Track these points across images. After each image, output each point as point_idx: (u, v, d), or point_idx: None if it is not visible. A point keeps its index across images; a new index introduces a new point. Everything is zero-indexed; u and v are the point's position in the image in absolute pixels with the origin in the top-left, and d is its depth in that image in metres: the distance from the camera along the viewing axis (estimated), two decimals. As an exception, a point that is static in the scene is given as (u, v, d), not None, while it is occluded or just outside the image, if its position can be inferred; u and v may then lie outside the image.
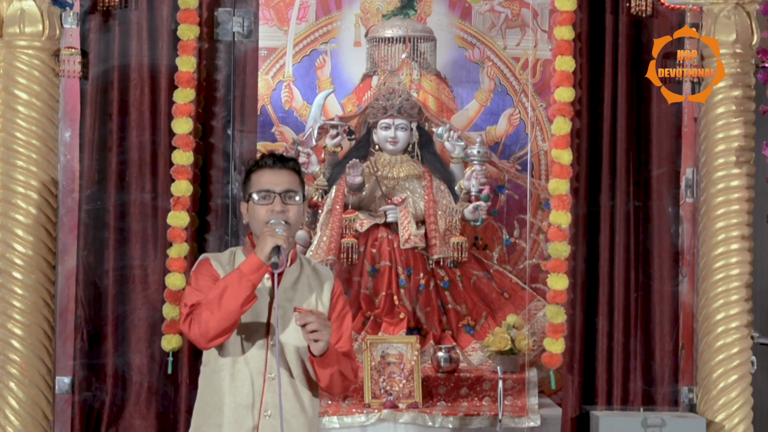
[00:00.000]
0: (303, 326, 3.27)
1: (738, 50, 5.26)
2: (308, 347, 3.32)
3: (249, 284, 3.24)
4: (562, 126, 5.30)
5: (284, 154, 3.60)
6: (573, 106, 5.33)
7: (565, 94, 5.30)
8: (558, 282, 5.27)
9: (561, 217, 5.29)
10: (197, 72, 5.29)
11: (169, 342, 5.16)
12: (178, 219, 5.20)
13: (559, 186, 5.30)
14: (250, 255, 3.28)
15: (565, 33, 5.31)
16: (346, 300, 3.59)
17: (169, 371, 5.23)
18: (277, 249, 3.24)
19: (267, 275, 3.39)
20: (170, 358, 5.21)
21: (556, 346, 5.27)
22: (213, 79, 5.44)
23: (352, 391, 5.24)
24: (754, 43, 5.28)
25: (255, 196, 3.38)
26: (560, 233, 5.30)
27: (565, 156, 5.30)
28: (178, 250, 5.19)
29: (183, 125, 5.24)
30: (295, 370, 3.39)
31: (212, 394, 3.36)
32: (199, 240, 5.40)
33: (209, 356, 3.43)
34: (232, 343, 3.36)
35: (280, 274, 3.30)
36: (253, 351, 3.36)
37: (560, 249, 5.28)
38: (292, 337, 3.37)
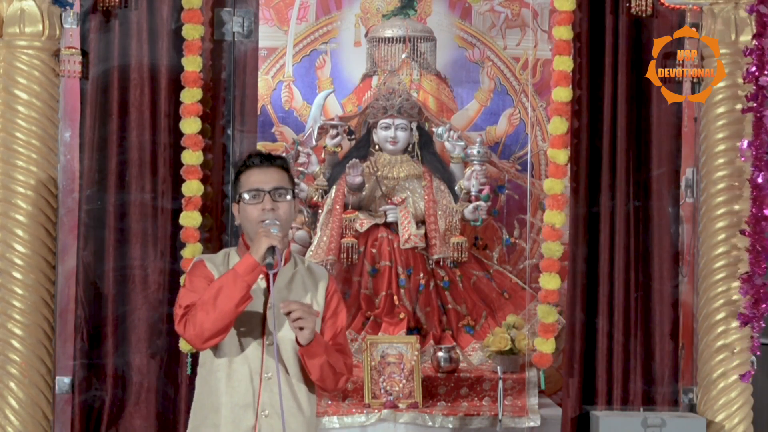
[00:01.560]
0: (287, 314, 3.27)
1: (738, 50, 5.26)
2: (295, 338, 3.33)
3: (244, 285, 3.25)
4: (558, 126, 5.31)
5: (272, 152, 3.60)
6: (572, 105, 5.34)
7: (562, 93, 5.31)
8: (550, 281, 5.28)
9: (555, 217, 5.30)
10: (203, 72, 5.29)
11: (187, 343, 5.12)
12: (191, 219, 5.20)
13: (555, 186, 5.30)
14: (245, 255, 3.28)
15: (563, 33, 5.31)
16: (341, 297, 3.60)
17: (188, 372, 5.22)
18: (272, 249, 3.24)
19: (262, 275, 3.39)
20: (189, 360, 5.20)
21: (547, 345, 5.27)
22: (215, 78, 5.44)
23: (352, 391, 5.24)
24: (754, 42, 5.28)
25: (245, 196, 3.38)
26: (554, 233, 5.30)
27: (561, 156, 5.31)
28: (192, 250, 5.17)
29: (191, 125, 5.23)
30: (291, 368, 3.39)
31: (209, 395, 3.37)
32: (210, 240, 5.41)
33: (205, 357, 3.43)
34: (228, 343, 3.36)
35: (275, 274, 3.30)
36: (249, 351, 3.36)
37: (553, 248, 5.29)
38: (287, 336, 3.37)
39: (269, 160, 3.43)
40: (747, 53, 5.07)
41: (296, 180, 3.55)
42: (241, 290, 3.24)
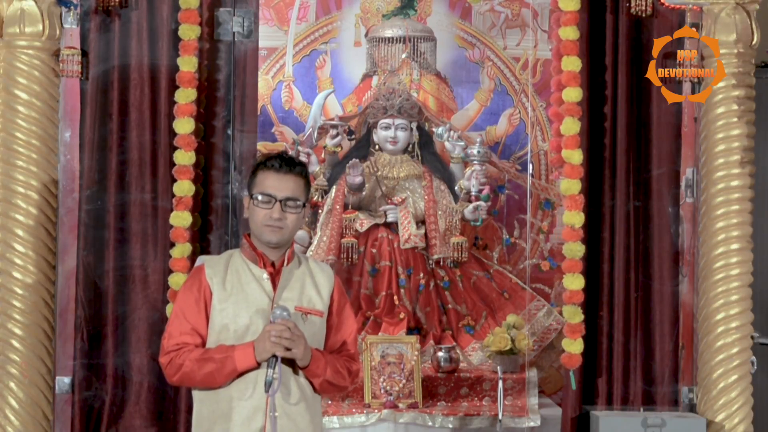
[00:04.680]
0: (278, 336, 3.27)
1: (738, 50, 5.27)
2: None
3: (236, 375, 3.30)
4: (571, 126, 5.31)
5: (294, 157, 3.57)
6: (580, 105, 5.33)
7: (572, 94, 5.31)
8: (574, 282, 5.28)
9: (574, 217, 5.30)
10: (198, 72, 5.30)
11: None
12: (181, 219, 5.21)
13: (571, 186, 5.30)
14: (248, 351, 3.27)
15: (570, 33, 5.31)
16: (347, 298, 3.60)
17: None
18: (275, 358, 3.24)
19: (266, 276, 3.40)
20: None
21: (574, 346, 5.27)
22: (214, 78, 5.45)
23: (352, 391, 5.24)
24: (754, 42, 5.28)
25: (256, 198, 3.38)
26: (574, 233, 5.30)
27: (576, 156, 5.30)
28: (181, 250, 5.19)
29: (185, 125, 5.24)
30: (299, 369, 3.39)
31: (218, 401, 3.35)
32: (201, 240, 5.41)
33: None
34: None
35: (280, 277, 3.30)
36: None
37: (574, 249, 5.29)
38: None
39: (289, 165, 3.39)
40: None
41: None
42: (231, 378, 3.31)
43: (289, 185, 3.38)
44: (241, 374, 3.30)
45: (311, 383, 3.41)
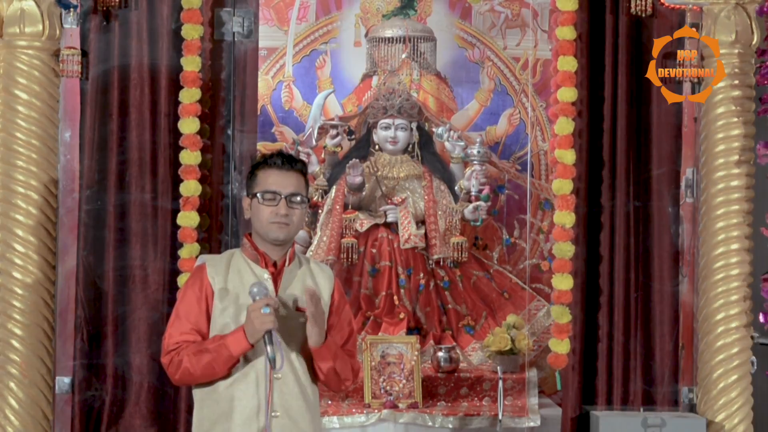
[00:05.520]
0: (302, 309, 3.31)
1: (738, 50, 5.27)
2: (302, 341, 3.36)
3: (233, 361, 3.30)
4: (565, 126, 5.31)
5: (293, 154, 3.60)
6: (575, 105, 5.34)
7: (567, 94, 5.32)
8: (563, 282, 5.29)
9: (565, 217, 5.30)
10: (203, 72, 5.30)
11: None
12: (188, 219, 5.21)
13: (563, 186, 5.31)
14: (239, 335, 3.26)
15: (566, 33, 5.32)
16: (347, 300, 3.60)
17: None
18: (269, 334, 3.24)
19: (268, 275, 3.40)
20: None
21: (561, 346, 5.28)
22: (215, 78, 5.45)
23: (352, 391, 5.24)
24: (754, 42, 5.28)
25: (260, 196, 3.38)
26: (564, 233, 5.31)
27: (569, 156, 5.31)
28: (190, 250, 5.19)
29: (189, 125, 5.25)
30: (299, 368, 3.39)
31: (218, 401, 3.36)
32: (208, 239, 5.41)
33: None
34: None
35: (278, 273, 3.29)
36: (257, 353, 3.35)
37: (564, 249, 5.29)
38: (295, 336, 3.37)
39: (290, 162, 3.43)
40: (759, 54, 5.10)
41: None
42: (229, 365, 3.30)
43: (292, 181, 3.40)
44: (238, 360, 3.30)
45: (315, 374, 3.41)
